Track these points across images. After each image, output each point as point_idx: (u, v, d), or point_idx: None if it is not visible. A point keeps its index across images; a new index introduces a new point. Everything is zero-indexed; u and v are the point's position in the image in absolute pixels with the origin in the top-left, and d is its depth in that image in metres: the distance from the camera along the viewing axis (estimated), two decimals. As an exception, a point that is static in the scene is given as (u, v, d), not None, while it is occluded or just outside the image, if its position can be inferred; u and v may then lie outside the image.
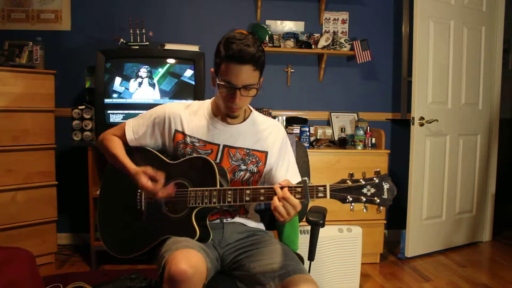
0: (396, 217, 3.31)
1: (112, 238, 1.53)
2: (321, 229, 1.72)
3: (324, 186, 1.24)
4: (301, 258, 1.56)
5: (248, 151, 1.50)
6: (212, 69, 1.43)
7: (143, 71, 2.74)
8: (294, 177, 1.51)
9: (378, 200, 1.20)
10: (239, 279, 1.40)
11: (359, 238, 2.50)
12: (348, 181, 1.22)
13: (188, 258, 1.20)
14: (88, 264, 2.81)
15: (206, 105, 1.54)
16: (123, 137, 1.56)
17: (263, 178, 1.56)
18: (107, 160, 1.59)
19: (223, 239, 1.48)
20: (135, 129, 1.54)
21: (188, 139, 1.49)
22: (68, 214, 3.18)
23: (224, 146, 1.49)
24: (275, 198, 1.25)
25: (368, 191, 1.21)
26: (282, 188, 1.26)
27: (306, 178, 1.26)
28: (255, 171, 1.51)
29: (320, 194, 1.24)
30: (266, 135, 1.53)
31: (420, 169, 3.05)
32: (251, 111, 1.56)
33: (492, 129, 3.45)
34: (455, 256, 3.15)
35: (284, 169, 1.53)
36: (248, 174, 1.50)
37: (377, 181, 1.21)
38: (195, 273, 1.18)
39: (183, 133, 1.49)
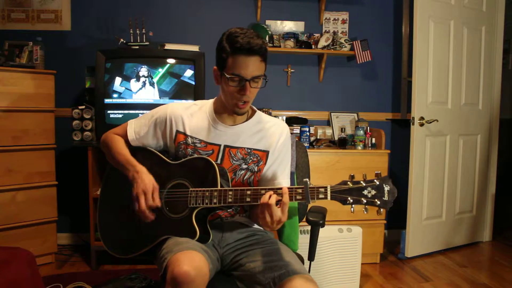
0: (396, 217, 3.31)
1: (112, 238, 1.53)
2: (321, 229, 1.73)
3: (325, 187, 1.24)
4: (301, 258, 1.56)
5: (249, 150, 1.50)
6: (215, 67, 1.42)
7: (143, 71, 2.74)
8: (285, 179, 1.52)
9: (379, 202, 1.20)
10: (239, 279, 1.40)
11: (359, 238, 2.50)
12: (349, 182, 1.23)
13: (191, 260, 1.20)
14: (88, 264, 2.81)
15: (208, 105, 1.53)
16: (124, 137, 1.56)
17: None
18: (107, 160, 1.59)
19: (223, 239, 1.48)
20: (137, 129, 1.54)
21: (189, 140, 1.48)
22: (68, 214, 3.18)
23: (225, 146, 1.48)
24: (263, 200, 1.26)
25: (369, 193, 1.21)
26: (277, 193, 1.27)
27: (307, 179, 1.26)
28: (256, 170, 1.51)
29: (321, 196, 1.24)
30: (270, 133, 1.53)
31: (420, 169, 3.05)
32: (254, 111, 1.55)
33: (492, 129, 3.45)
34: (455, 256, 3.15)
35: (279, 172, 1.52)
36: (249, 173, 1.50)
37: (378, 183, 1.21)
38: (198, 275, 1.18)
39: (184, 133, 1.49)
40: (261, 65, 1.37)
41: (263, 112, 3.06)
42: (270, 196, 1.26)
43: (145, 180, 1.39)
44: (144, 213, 1.37)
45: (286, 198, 1.26)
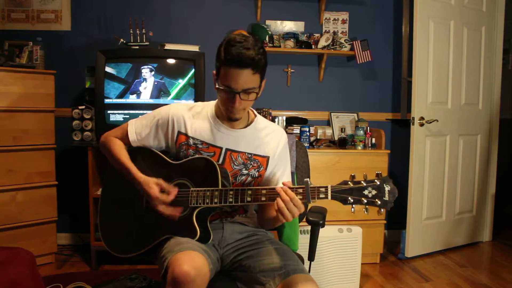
0: (396, 217, 3.31)
1: (112, 237, 1.53)
2: (321, 229, 1.72)
3: (326, 187, 1.24)
4: (301, 258, 1.56)
5: (249, 155, 1.50)
6: (214, 71, 1.42)
7: (144, 72, 2.74)
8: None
9: (379, 202, 1.20)
10: (239, 279, 1.40)
11: (359, 238, 2.50)
12: (349, 182, 1.23)
13: (191, 260, 1.20)
14: (88, 264, 2.81)
15: (209, 107, 1.53)
16: (125, 139, 1.54)
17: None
18: (108, 161, 1.58)
19: (223, 239, 1.48)
20: (138, 130, 1.53)
21: (191, 141, 1.48)
22: (68, 214, 3.18)
23: (227, 149, 1.48)
24: (279, 200, 1.25)
25: (369, 192, 1.21)
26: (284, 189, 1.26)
27: (307, 179, 1.26)
28: (257, 175, 1.51)
29: (322, 195, 1.24)
30: (268, 140, 1.53)
31: (420, 169, 3.05)
32: (255, 116, 1.55)
33: (492, 129, 3.45)
34: (455, 256, 3.15)
35: (279, 174, 1.53)
36: (249, 179, 1.50)
37: (378, 183, 1.21)
38: (198, 275, 1.18)
39: (186, 135, 1.49)
40: (253, 78, 1.33)
41: (263, 112, 3.10)
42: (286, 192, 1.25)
43: (147, 186, 1.39)
44: (166, 215, 1.38)
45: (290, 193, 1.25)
